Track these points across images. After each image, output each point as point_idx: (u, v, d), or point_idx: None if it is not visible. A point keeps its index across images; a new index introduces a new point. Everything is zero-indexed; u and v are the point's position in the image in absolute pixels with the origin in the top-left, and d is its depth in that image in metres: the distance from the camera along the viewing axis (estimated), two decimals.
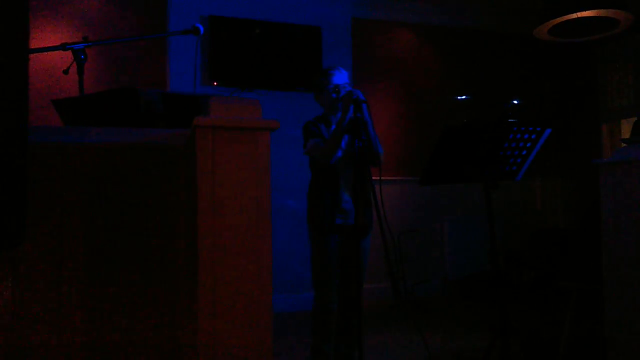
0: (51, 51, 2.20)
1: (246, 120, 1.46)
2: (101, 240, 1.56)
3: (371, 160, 2.80)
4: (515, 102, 5.21)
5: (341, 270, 2.89)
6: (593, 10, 4.42)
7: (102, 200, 1.57)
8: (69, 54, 2.20)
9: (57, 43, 2.19)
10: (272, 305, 1.47)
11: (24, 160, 0.93)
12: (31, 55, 1.07)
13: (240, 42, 5.28)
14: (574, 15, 4.47)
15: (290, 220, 4.88)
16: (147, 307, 1.59)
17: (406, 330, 4.32)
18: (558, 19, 4.58)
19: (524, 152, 2.54)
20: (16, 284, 1.48)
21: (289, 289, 5.00)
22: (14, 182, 0.91)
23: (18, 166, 0.91)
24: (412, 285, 5.49)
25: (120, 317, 1.57)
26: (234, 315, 1.42)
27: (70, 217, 1.54)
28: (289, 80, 5.43)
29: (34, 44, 3.25)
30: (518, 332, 4.02)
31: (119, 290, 1.57)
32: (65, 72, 2.33)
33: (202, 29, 2.53)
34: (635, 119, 3.34)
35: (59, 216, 1.53)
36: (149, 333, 1.59)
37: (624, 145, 3.07)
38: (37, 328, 1.50)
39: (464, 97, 6.10)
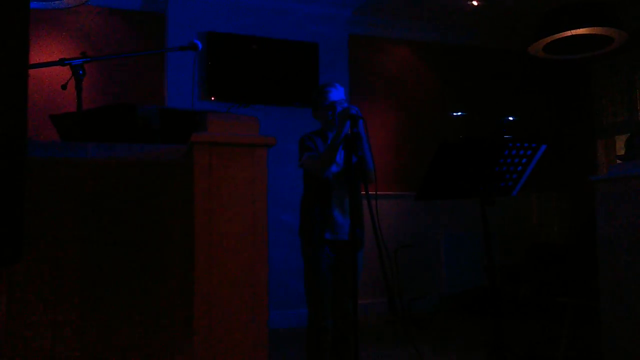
0: (50, 66, 2.21)
1: (243, 136, 1.47)
2: (97, 255, 1.56)
3: (364, 176, 2.80)
4: (511, 118, 5.25)
5: (334, 286, 2.88)
6: (588, 28, 4.48)
7: (98, 215, 1.57)
8: (67, 70, 2.20)
9: (56, 58, 2.20)
10: (268, 321, 1.47)
11: (21, 175, 0.93)
12: (30, 71, 1.08)
13: (237, 58, 5.31)
14: (569, 33, 4.53)
15: (287, 235, 4.87)
16: (143, 323, 1.58)
17: (402, 345, 4.30)
18: (553, 36, 4.64)
19: (520, 168, 2.56)
20: (11, 300, 1.47)
21: (286, 305, 4.98)
22: (11, 197, 0.91)
23: (16, 181, 0.92)
24: (409, 301, 5.47)
25: (116, 333, 1.56)
26: (229, 332, 1.42)
27: (67, 232, 1.54)
28: (286, 96, 5.45)
29: (32, 59, 3.26)
30: (514, 347, 4.00)
31: (115, 305, 1.57)
32: (64, 87, 2.34)
33: (200, 45, 2.54)
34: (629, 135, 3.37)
35: (56, 231, 1.53)
36: (145, 349, 1.58)
37: (619, 161, 3.09)
38: (32, 345, 1.49)
39: (459, 113, 6.14)
